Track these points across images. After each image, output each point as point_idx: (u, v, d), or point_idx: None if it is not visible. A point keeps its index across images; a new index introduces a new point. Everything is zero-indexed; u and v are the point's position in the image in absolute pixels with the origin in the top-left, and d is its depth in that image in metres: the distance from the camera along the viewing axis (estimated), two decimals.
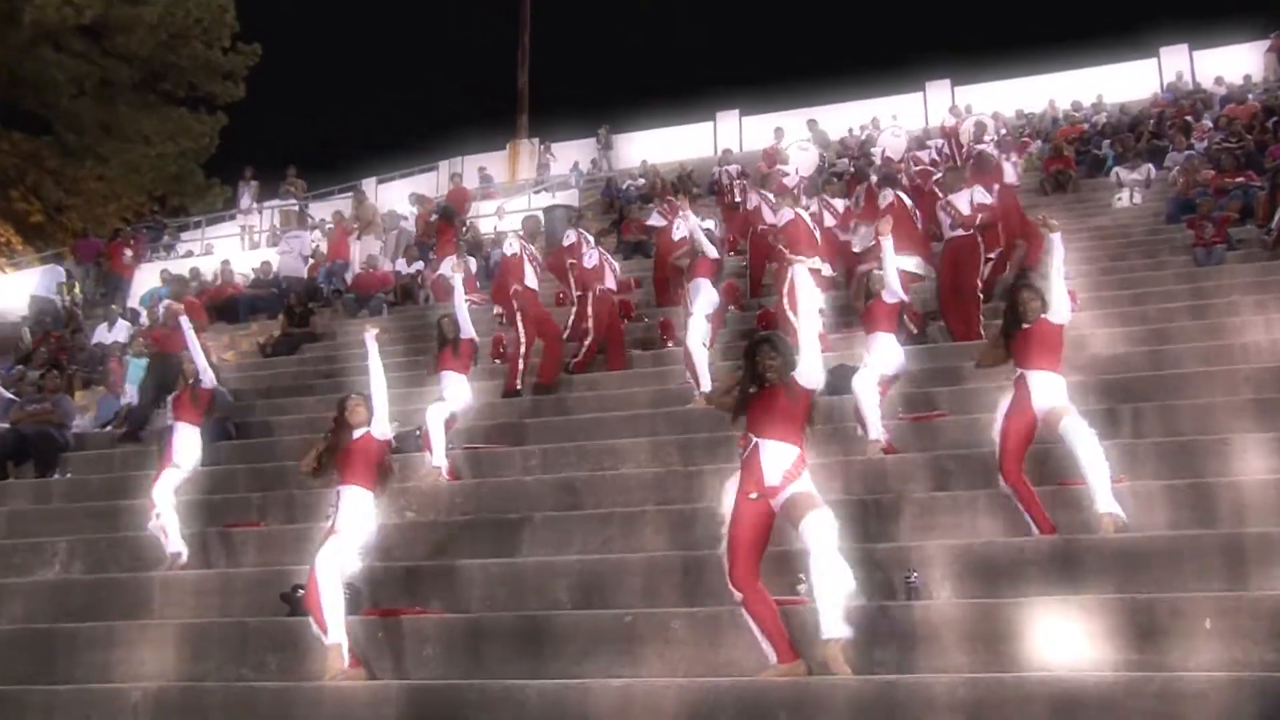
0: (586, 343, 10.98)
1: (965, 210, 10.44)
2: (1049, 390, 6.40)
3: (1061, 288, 6.57)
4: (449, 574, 7.18)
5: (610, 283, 11.16)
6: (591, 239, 11.76)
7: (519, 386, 10.54)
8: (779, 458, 5.32)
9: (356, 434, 6.62)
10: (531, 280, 10.79)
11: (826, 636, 5.09)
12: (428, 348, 11.32)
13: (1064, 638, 5.20)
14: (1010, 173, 12.88)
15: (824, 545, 5.12)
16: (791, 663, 5.27)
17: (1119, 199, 15.51)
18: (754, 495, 5.30)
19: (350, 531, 6.35)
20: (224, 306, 17.34)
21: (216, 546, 8.47)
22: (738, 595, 5.36)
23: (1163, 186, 15.55)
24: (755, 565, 5.37)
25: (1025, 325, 6.56)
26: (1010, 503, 6.48)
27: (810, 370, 5.41)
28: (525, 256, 10.78)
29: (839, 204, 12.27)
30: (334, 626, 6.05)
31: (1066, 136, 19.41)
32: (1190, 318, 10.05)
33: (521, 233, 11.56)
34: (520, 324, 10.64)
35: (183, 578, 7.88)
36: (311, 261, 18.58)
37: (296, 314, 15.25)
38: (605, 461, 8.75)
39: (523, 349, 10.63)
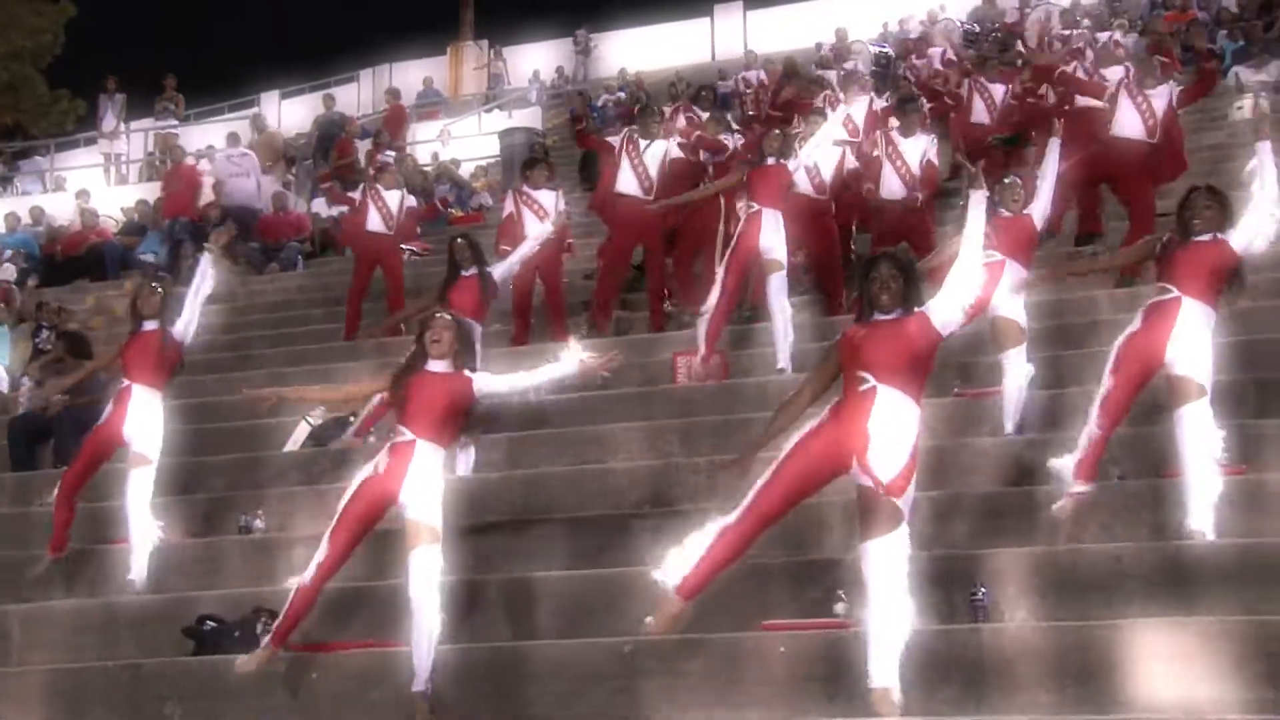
0: None
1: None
2: (1195, 331, 6.18)
3: (1270, 211, 6.30)
4: (389, 596, 7.14)
5: None
6: None
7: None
8: (896, 418, 5.16)
9: (437, 367, 6.20)
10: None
11: (876, 685, 5.08)
12: None
13: (1177, 671, 5.19)
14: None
15: (888, 576, 5.14)
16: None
17: (1239, 108, 14.68)
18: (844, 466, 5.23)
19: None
20: (86, 259, 17.19)
21: (98, 565, 8.33)
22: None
23: None
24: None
25: (1191, 240, 6.33)
26: (1101, 499, 6.50)
27: (951, 303, 5.28)
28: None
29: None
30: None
31: (1170, 26, 18.24)
32: None
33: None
34: None
35: (50, 610, 7.77)
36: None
37: (183, 268, 15.18)
38: (589, 454, 8.79)
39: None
